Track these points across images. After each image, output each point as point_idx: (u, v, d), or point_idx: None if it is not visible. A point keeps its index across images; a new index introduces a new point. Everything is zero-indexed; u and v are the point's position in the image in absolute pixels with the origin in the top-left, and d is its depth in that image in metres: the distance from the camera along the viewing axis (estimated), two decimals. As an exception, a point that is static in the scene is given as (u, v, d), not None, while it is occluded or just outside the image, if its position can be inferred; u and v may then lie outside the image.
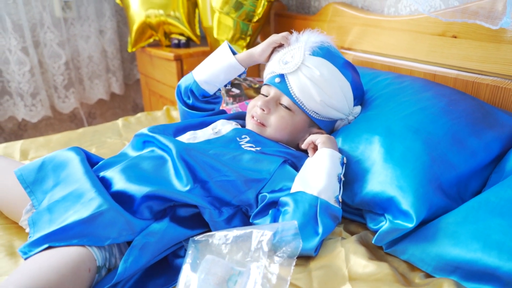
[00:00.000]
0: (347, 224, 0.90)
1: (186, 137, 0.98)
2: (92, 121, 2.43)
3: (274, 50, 1.07)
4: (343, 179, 0.86)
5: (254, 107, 1.02)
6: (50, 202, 0.79)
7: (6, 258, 0.83)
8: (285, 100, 0.99)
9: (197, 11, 1.91)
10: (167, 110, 1.58)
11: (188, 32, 1.88)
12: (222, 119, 1.07)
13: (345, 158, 0.88)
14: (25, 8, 1.93)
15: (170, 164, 0.88)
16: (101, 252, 0.73)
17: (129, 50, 1.98)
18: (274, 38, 1.05)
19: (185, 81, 1.13)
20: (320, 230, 0.77)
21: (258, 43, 1.23)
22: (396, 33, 1.27)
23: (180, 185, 0.83)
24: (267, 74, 1.06)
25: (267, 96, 1.03)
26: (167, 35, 1.93)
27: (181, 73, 1.81)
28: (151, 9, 1.85)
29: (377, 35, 1.33)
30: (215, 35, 1.61)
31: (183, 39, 1.91)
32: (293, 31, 1.05)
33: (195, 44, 1.95)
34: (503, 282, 0.65)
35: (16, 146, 1.30)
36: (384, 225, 0.78)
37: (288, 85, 0.98)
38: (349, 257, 0.74)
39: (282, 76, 1.00)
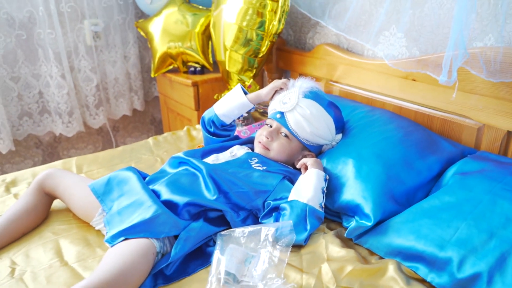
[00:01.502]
0: (329, 223, 1.24)
1: (211, 159, 1.33)
2: (116, 134, 2.77)
3: (276, 92, 1.41)
4: (325, 191, 1.19)
5: (261, 135, 1.36)
6: (119, 208, 1.13)
7: (86, 247, 1.17)
8: (284, 131, 1.33)
9: (210, 43, 2.25)
10: (188, 130, 1.92)
11: (202, 60, 2.22)
12: (237, 144, 1.41)
13: (327, 176, 1.22)
14: (63, 38, 2.27)
15: (201, 179, 1.22)
16: (159, 242, 1.06)
17: (152, 75, 2.32)
18: (276, 84, 1.39)
19: (208, 114, 1.47)
20: (308, 227, 1.10)
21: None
22: (372, 73, 1.61)
23: (209, 195, 1.17)
24: (270, 110, 1.40)
25: (271, 127, 1.37)
26: (184, 63, 2.27)
27: (197, 96, 2.15)
28: (171, 42, 2.19)
29: (358, 73, 1.67)
30: (227, 68, 1.95)
31: (198, 66, 2.25)
32: (290, 79, 1.39)
33: (209, 71, 2.29)
34: (427, 261, 0.98)
35: (72, 162, 1.64)
36: (352, 225, 1.12)
37: (286, 120, 1.32)
38: (328, 246, 1.08)
39: (282, 113, 1.34)
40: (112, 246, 1.03)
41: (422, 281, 0.98)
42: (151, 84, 2.80)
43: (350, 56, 1.70)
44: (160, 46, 2.23)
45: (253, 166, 1.30)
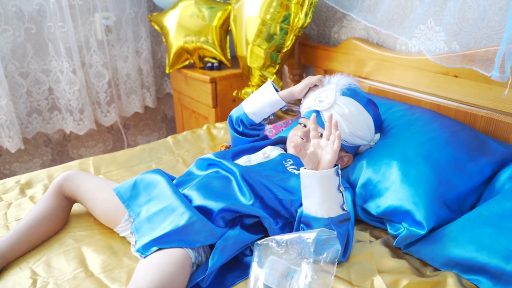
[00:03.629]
0: (372, 230, 1.16)
1: (243, 161, 1.24)
2: (126, 132, 2.68)
3: (310, 89, 1.32)
4: (342, 189, 0.99)
5: (294, 136, 1.27)
6: (149, 214, 1.05)
7: (111, 256, 1.09)
8: (320, 131, 1.24)
9: (228, 37, 2.16)
10: (208, 128, 1.83)
11: (220, 56, 2.13)
12: (268, 144, 1.32)
13: (338, 167, 0.98)
14: (74, 32, 2.17)
15: (234, 183, 1.13)
16: (194, 252, 0.98)
17: (167, 71, 2.23)
18: (310, 80, 1.30)
19: (236, 112, 1.38)
20: (340, 239, 0.98)
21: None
22: (407, 69, 1.52)
23: (244, 200, 1.08)
24: (304, 109, 1.31)
25: (304, 126, 1.28)
26: (201, 58, 2.18)
27: (215, 93, 2.06)
28: (188, 36, 2.10)
29: (390, 69, 1.58)
30: (248, 63, 1.86)
31: (215, 62, 2.16)
32: (325, 75, 1.30)
33: (226, 67, 2.20)
34: (491, 274, 0.90)
35: (89, 162, 1.55)
36: (403, 231, 1.03)
37: (322, 119, 1.23)
38: (376, 256, 1.00)
39: (317, 111, 1.25)
40: (144, 257, 0.94)
41: (487, 296, 0.90)
42: (162, 80, 2.71)
43: (381, 51, 1.61)
44: (176, 41, 2.14)
45: (288, 168, 1.21)
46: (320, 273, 0.94)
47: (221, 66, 2.16)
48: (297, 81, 2.08)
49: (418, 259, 1.03)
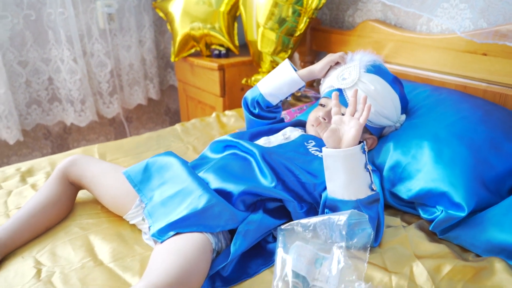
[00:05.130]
0: (402, 215, 1.08)
1: (262, 142, 1.16)
2: (129, 125, 2.59)
3: (331, 67, 1.24)
4: (370, 167, 0.90)
5: (315, 116, 1.19)
6: (163, 198, 0.96)
7: (121, 245, 1.00)
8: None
9: (235, 24, 2.08)
10: (217, 116, 1.75)
11: (228, 43, 2.05)
12: (288, 126, 1.24)
13: (364, 143, 0.90)
14: (75, 19, 2.08)
15: (254, 164, 1.05)
16: (214, 237, 0.90)
17: (172, 59, 2.15)
18: (332, 58, 1.22)
19: (251, 94, 1.30)
20: (371, 223, 0.90)
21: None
22: (429, 49, 1.44)
23: (266, 182, 1.00)
24: (325, 88, 1.23)
25: (324, 106, 1.20)
26: (208, 46, 2.10)
27: (223, 81, 1.98)
28: (195, 22, 2.02)
29: (411, 50, 1.50)
30: (259, 48, 1.78)
31: (223, 49, 2.08)
32: (348, 52, 1.22)
33: (234, 54, 2.12)
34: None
35: (94, 149, 1.46)
36: (440, 215, 0.95)
37: (346, 98, 1.15)
38: (413, 240, 0.91)
39: (340, 90, 1.16)
40: (161, 242, 0.85)
41: (540, 282, 0.81)
42: (166, 71, 2.62)
43: (401, 32, 1.54)
44: (181, 28, 2.06)
45: (310, 150, 1.12)
46: (351, 260, 0.86)
47: (228, 53, 2.08)
48: (308, 69, 2.00)
49: (457, 245, 0.94)
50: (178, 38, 2.08)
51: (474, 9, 1.34)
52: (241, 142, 1.10)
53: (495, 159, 1.01)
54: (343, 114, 1.03)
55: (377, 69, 1.17)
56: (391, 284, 0.82)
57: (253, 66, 2.00)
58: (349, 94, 1.14)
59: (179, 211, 0.91)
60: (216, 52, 2.07)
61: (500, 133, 1.06)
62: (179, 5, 2.07)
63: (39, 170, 1.35)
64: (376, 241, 0.93)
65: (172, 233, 0.86)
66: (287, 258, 0.87)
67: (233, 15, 2.05)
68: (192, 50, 2.14)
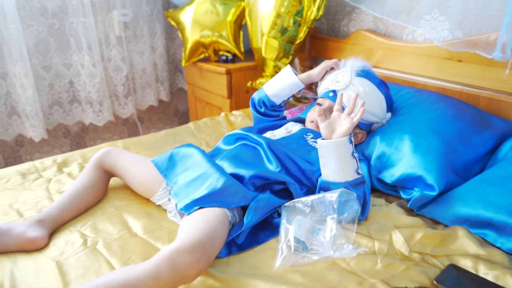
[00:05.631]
0: (387, 197, 1.28)
1: (268, 135, 1.36)
2: (141, 124, 2.79)
3: (327, 72, 1.44)
4: (356, 154, 1.10)
5: (313, 114, 1.39)
6: (187, 181, 1.15)
7: (151, 221, 1.19)
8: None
9: (241, 32, 2.28)
10: (226, 115, 1.94)
11: (234, 49, 2.25)
12: (290, 121, 1.44)
13: (351, 135, 1.10)
14: (95, 27, 2.28)
15: (262, 153, 1.25)
16: (230, 212, 1.09)
17: (183, 64, 2.35)
18: (327, 63, 1.42)
19: (257, 95, 1.50)
20: (358, 201, 1.10)
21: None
22: (413, 56, 1.64)
23: (272, 167, 1.20)
24: (322, 90, 1.43)
25: (321, 105, 1.40)
26: (215, 52, 2.30)
27: (230, 84, 2.18)
28: (204, 31, 2.22)
29: (398, 57, 1.70)
30: (263, 54, 1.98)
31: (229, 55, 2.28)
32: (341, 59, 1.42)
33: (240, 60, 2.31)
34: (496, 227, 1.02)
35: (119, 144, 1.66)
36: (416, 194, 1.15)
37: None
38: (393, 215, 1.11)
39: (334, 91, 1.36)
40: (188, 214, 1.05)
41: (493, 245, 1.01)
42: (175, 75, 2.82)
43: (389, 41, 1.74)
44: (192, 36, 2.26)
45: (309, 142, 1.32)
46: (343, 230, 1.06)
47: (235, 59, 2.28)
48: (307, 73, 2.20)
49: (430, 219, 1.14)
50: (189, 45, 2.28)
51: (451, 21, 1.55)
52: (251, 134, 1.30)
53: (463, 149, 1.21)
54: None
55: (366, 74, 1.37)
56: (374, 248, 1.02)
57: (257, 70, 2.20)
58: (342, 95, 1.34)
59: (201, 191, 1.10)
60: (224, 57, 2.27)
61: (469, 127, 1.26)
62: (189, 14, 2.27)
63: (72, 162, 1.55)
64: (363, 215, 1.12)
65: (197, 207, 1.05)
66: (290, 228, 1.06)
67: (239, 24, 2.25)
68: (201, 56, 2.34)
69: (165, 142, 1.69)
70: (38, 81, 2.27)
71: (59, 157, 1.56)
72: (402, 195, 1.23)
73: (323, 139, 1.15)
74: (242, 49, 2.28)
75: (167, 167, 1.23)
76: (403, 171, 1.21)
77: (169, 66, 2.75)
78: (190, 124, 1.86)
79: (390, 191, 1.28)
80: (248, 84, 2.13)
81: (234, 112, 1.98)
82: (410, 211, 1.18)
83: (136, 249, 1.07)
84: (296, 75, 1.46)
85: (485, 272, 0.93)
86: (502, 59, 1.22)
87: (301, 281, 0.93)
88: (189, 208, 1.06)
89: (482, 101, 1.45)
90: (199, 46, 2.27)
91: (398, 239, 1.03)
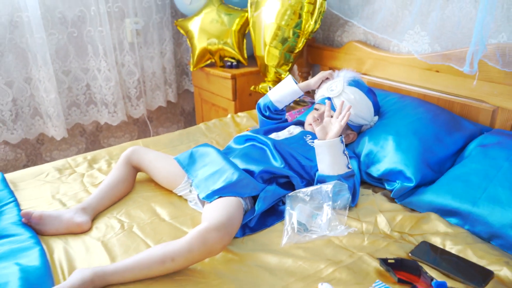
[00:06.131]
0: (374, 188, 1.51)
1: (273, 136, 1.59)
2: (150, 123, 3.01)
3: (322, 81, 1.67)
4: (346, 152, 1.34)
5: (311, 117, 1.62)
6: (206, 175, 1.38)
7: (175, 209, 1.41)
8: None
9: (244, 40, 2.50)
10: (232, 117, 2.17)
11: (238, 56, 2.47)
12: (291, 125, 1.67)
13: (342, 136, 1.34)
14: (110, 35, 2.49)
15: (268, 152, 1.48)
16: (243, 200, 1.32)
17: (192, 69, 2.56)
18: (323, 74, 1.65)
19: (263, 100, 1.73)
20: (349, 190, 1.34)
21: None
22: (398, 66, 1.88)
23: (277, 164, 1.43)
24: (318, 96, 1.66)
25: (318, 110, 1.63)
26: (221, 58, 2.52)
27: (235, 88, 2.40)
28: (211, 39, 2.44)
29: (385, 66, 1.93)
30: (265, 62, 2.20)
31: (234, 61, 2.50)
32: (335, 70, 1.65)
33: (243, 65, 2.53)
34: (461, 216, 1.25)
35: (139, 143, 1.88)
36: (397, 186, 1.38)
37: (334, 104, 1.58)
38: (378, 202, 1.35)
39: (329, 98, 1.59)
40: (210, 202, 1.27)
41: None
42: (182, 78, 3.04)
43: (378, 52, 1.97)
44: (199, 43, 2.47)
45: (308, 142, 1.55)
46: (336, 214, 1.29)
47: (239, 64, 2.50)
48: (305, 78, 2.43)
49: (409, 208, 1.38)
50: (197, 52, 2.49)
51: (431, 36, 1.78)
52: (259, 136, 1.53)
53: (437, 148, 1.45)
54: (331, 116, 1.47)
55: (356, 83, 1.60)
56: (362, 228, 1.25)
57: (260, 75, 2.42)
58: (336, 102, 1.57)
59: (219, 183, 1.32)
60: (229, 63, 2.49)
61: (443, 129, 1.50)
62: (197, 24, 2.48)
63: (100, 159, 1.77)
64: (353, 203, 1.36)
65: (217, 196, 1.28)
66: (293, 213, 1.29)
67: (243, 33, 2.47)
68: (208, 62, 2.56)
69: (180, 141, 1.92)
70: (58, 85, 2.48)
71: (88, 155, 1.78)
72: (386, 186, 1.46)
73: (318, 140, 1.38)
74: (246, 55, 2.50)
75: (188, 163, 1.46)
76: (387, 166, 1.44)
77: (176, 70, 2.97)
78: (201, 125, 2.08)
79: (377, 183, 1.52)
80: (252, 88, 2.35)
81: (239, 113, 2.20)
82: (392, 200, 1.42)
83: (165, 231, 1.30)
84: (296, 83, 1.69)
85: (450, 247, 1.16)
86: (470, 73, 1.45)
87: (304, 255, 1.16)
88: (210, 197, 1.29)
89: (456, 107, 1.68)
90: (206, 52, 2.48)
91: (381, 221, 1.27)
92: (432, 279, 1.02)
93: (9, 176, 1.62)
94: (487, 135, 1.47)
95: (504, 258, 1.11)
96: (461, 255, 1.13)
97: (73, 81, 2.54)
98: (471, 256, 1.12)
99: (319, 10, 1.99)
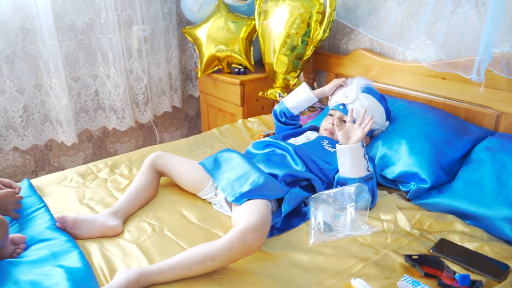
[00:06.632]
0: (389, 190, 1.59)
1: (291, 141, 1.66)
2: (156, 128, 3.05)
3: (336, 89, 1.75)
4: (367, 156, 1.44)
5: (326, 123, 1.70)
6: (232, 179, 1.44)
7: (201, 212, 1.47)
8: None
9: (251, 47, 2.57)
10: (243, 122, 2.24)
11: (245, 62, 2.54)
12: (307, 130, 1.75)
13: (363, 140, 1.44)
14: (120, 42, 2.53)
15: (289, 157, 1.55)
16: (270, 202, 1.38)
17: (199, 75, 2.62)
18: (338, 81, 1.74)
19: (279, 107, 1.80)
20: (369, 192, 1.42)
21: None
22: (404, 73, 1.97)
23: (298, 168, 1.50)
24: (333, 103, 1.74)
25: (332, 116, 1.71)
26: (228, 64, 2.58)
27: (243, 94, 2.47)
28: (219, 46, 2.50)
29: (391, 73, 2.03)
30: (275, 68, 2.27)
31: (241, 68, 2.57)
32: (348, 78, 1.73)
33: (250, 72, 2.60)
34: (477, 219, 1.33)
35: (157, 148, 1.93)
36: (413, 187, 1.47)
37: (347, 109, 1.66)
38: (396, 201, 1.43)
39: (344, 104, 1.68)
40: (240, 204, 1.34)
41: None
42: (186, 83, 3.09)
43: (384, 59, 2.06)
44: (207, 50, 2.54)
45: (325, 147, 1.63)
46: (358, 215, 1.37)
47: (246, 71, 2.57)
48: (311, 84, 2.51)
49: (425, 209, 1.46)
50: (205, 59, 2.56)
51: (436, 45, 1.88)
52: (279, 142, 1.60)
53: (448, 151, 1.54)
54: (344, 121, 1.55)
55: (369, 90, 1.69)
56: (383, 227, 1.34)
57: (266, 81, 2.50)
58: (349, 107, 1.65)
59: (246, 186, 1.39)
60: (236, 70, 2.56)
61: (452, 133, 1.59)
62: (204, 31, 2.55)
63: (120, 164, 1.81)
64: (373, 203, 1.44)
65: (246, 199, 1.34)
66: (318, 214, 1.37)
67: (250, 40, 2.54)
68: (215, 68, 2.62)
69: (196, 146, 1.98)
70: (68, 91, 2.51)
71: (109, 160, 1.83)
72: (401, 188, 1.55)
73: (340, 144, 1.46)
74: (253, 62, 2.57)
75: (213, 168, 1.52)
76: (402, 169, 1.53)
77: (181, 76, 3.02)
78: (214, 130, 2.14)
79: (391, 185, 1.60)
80: (260, 94, 2.42)
81: (250, 119, 2.27)
82: (408, 200, 1.50)
83: (196, 233, 1.36)
84: (311, 91, 1.77)
85: (468, 244, 1.25)
86: (477, 80, 1.55)
87: (332, 252, 1.24)
88: (239, 199, 1.35)
89: (461, 112, 1.78)
90: (214, 59, 2.55)
91: (401, 219, 1.35)
92: (454, 273, 1.11)
93: (33, 182, 1.65)
94: (492, 138, 1.57)
95: (518, 253, 1.20)
96: (478, 251, 1.22)
97: (82, 87, 2.57)
98: (488, 252, 1.21)
99: (328, 20, 2.08)
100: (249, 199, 1.35)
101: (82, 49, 2.50)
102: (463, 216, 1.37)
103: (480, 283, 1.06)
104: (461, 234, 1.29)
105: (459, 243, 1.26)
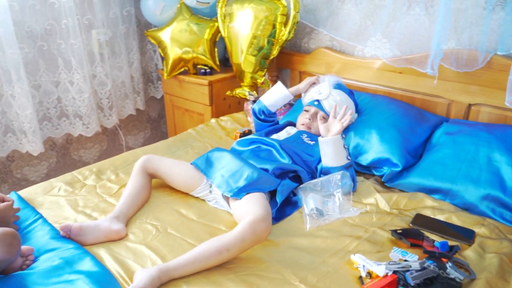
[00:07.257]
0: (364, 175, 1.77)
1: (274, 137, 1.78)
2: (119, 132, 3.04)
3: (310, 86, 1.90)
4: (346, 146, 1.62)
5: (303, 118, 1.84)
6: (226, 177, 1.53)
7: (197, 209, 1.55)
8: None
9: (215, 48, 2.65)
10: (217, 121, 2.32)
11: (211, 63, 2.62)
12: (287, 126, 1.88)
13: (343, 134, 1.62)
14: (81, 47, 2.50)
15: (275, 152, 1.68)
16: (265, 194, 1.50)
17: (165, 78, 2.66)
18: (311, 79, 1.89)
19: (257, 105, 1.92)
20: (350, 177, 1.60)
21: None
22: (364, 69, 2.17)
23: (285, 161, 1.63)
24: (308, 99, 1.89)
25: (308, 111, 1.86)
26: (194, 65, 2.65)
27: (211, 94, 2.55)
28: (184, 48, 2.56)
29: (352, 69, 2.22)
30: (243, 68, 2.38)
31: (207, 68, 2.64)
32: (319, 76, 1.89)
33: (216, 72, 2.69)
34: (442, 192, 1.55)
35: (139, 152, 1.96)
36: (387, 171, 1.66)
37: (322, 105, 1.82)
38: (374, 185, 1.61)
39: (318, 100, 1.83)
40: (240, 199, 1.44)
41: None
42: (147, 86, 3.10)
43: (345, 56, 2.25)
44: (172, 52, 2.58)
45: (305, 140, 1.78)
46: (345, 198, 1.53)
47: (212, 71, 2.65)
48: (274, 81, 2.64)
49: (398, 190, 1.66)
50: (170, 61, 2.60)
51: (392, 43, 2.09)
52: (264, 138, 1.72)
53: (413, 137, 1.75)
54: (321, 116, 1.71)
55: (339, 86, 1.86)
56: (367, 209, 1.51)
57: (233, 80, 2.59)
58: (324, 104, 1.81)
59: (242, 182, 1.49)
60: (202, 70, 2.62)
61: (414, 121, 1.81)
62: (167, 33, 2.59)
63: (105, 170, 1.83)
64: (354, 188, 1.61)
65: (244, 193, 1.45)
66: (310, 201, 1.50)
67: (214, 41, 2.62)
68: (181, 70, 2.67)
69: (176, 148, 2.04)
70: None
71: (93, 167, 1.84)
72: (375, 173, 1.74)
73: (322, 137, 1.61)
74: (217, 62, 2.66)
75: (206, 167, 1.60)
76: (374, 156, 1.71)
77: (143, 78, 3.03)
78: (190, 130, 2.21)
79: (365, 171, 1.78)
80: (228, 93, 2.52)
81: (222, 117, 2.36)
82: (383, 183, 1.69)
83: (199, 229, 1.44)
84: (287, 89, 1.90)
85: (439, 216, 1.45)
86: (432, 74, 1.77)
87: (328, 235, 1.38)
88: (238, 194, 1.45)
89: (417, 101, 2.01)
90: (180, 61, 2.60)
91: (381, 201, 1.54)
92: (433, 241, 1.30)
93: (20, 194, 1.63)
94: (448, 124, 1.80)
95: (480, 221, 1.43)
96: (448, 221, 1.43)
97: (44, 95, 2.50)
98: (456, 221, 1.42)
99: (293, 21, 2.22)
100: (248, 193, 1.45)
101: (41, 56, 2.44)
102: (431, 191, 1.58)
103: (458, 247, 1.25)
104: (432, 209, 1.50)
105: (432, 216, 1.46)
